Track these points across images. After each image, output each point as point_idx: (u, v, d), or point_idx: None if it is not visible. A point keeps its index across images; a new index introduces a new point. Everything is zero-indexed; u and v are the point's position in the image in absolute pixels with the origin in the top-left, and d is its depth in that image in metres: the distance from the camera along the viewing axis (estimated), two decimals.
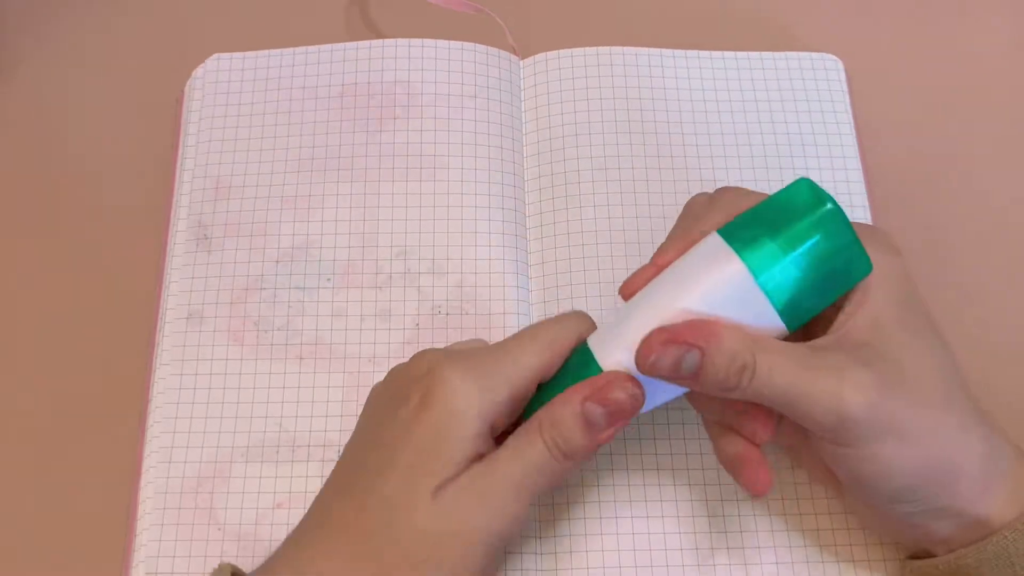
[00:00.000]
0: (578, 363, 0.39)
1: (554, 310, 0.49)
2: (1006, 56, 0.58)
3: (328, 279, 0.49)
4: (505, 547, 0.38)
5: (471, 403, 0.38)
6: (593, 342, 0.39)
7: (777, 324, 0.37)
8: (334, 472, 0.40)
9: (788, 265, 0.37)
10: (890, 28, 0.59)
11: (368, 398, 0.42)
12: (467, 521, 0.37)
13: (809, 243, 0.37)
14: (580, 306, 0.49)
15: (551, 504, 0.45)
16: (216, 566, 0.39)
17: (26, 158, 0.55)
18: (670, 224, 0.50)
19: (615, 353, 0.38)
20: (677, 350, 0.36)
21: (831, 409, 0.36)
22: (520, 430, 0.39)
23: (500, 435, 0.40)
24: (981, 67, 0.58)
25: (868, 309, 0.39)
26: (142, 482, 0.46)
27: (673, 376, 0.37)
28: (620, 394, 0.37)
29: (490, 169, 0.52)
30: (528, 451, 0.38)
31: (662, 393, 0.39)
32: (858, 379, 0.37)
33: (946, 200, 0.53)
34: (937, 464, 0.38)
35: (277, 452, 0.46)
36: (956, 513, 0.38)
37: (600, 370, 0.38)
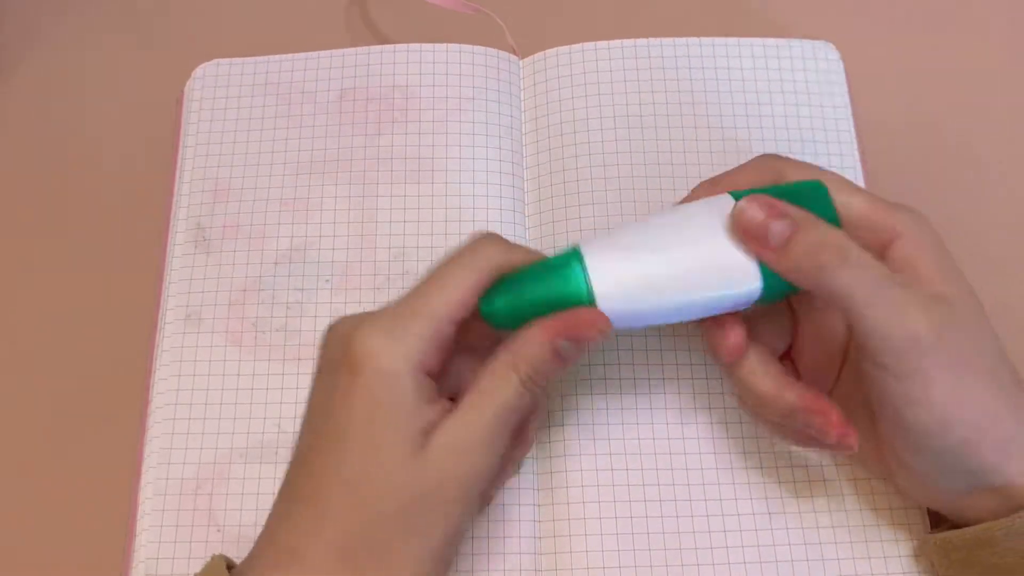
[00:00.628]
0: (564, 272, 0.39)
1: None
2: (1005, 54, 0.59)
3: (327, 280, 0.50)
4: (481, 482, 0.39)
5: (396, 358, 0.38)
6: (590, 252, 0.39)
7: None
8: (296, 448, 0.40)
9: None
10: (888, 22, 0.59)
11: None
12: (452, 473, 0.37)
13: None
14: None
15: (551, 504, 0.45)
16: (210, 558, 0.39)
17: (26, 159, 0.55)
18: None
19: (612, 262, 0.39)
20: (775, 213, 0.38)
21: (902, 324, 0.37)
22: (488, 371, 0.39)
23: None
24: (980, 64, 0.58)
25: (921, 261, 0.39)
26: (142, 483, 0.46)
27: (758, 238, 0.38)
28: (591, 332, 0.38)
29: (488, 170, 0.52)
30: (503, 390, 0.38)
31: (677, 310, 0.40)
32: (934, 307, 0.38)
33: (945, 195, 0.54)
34: (982, 410, 0.38)
35: (276, 453, 0.46)
36: (979, 475, 0.38)
37: (586, 287, 0.38)
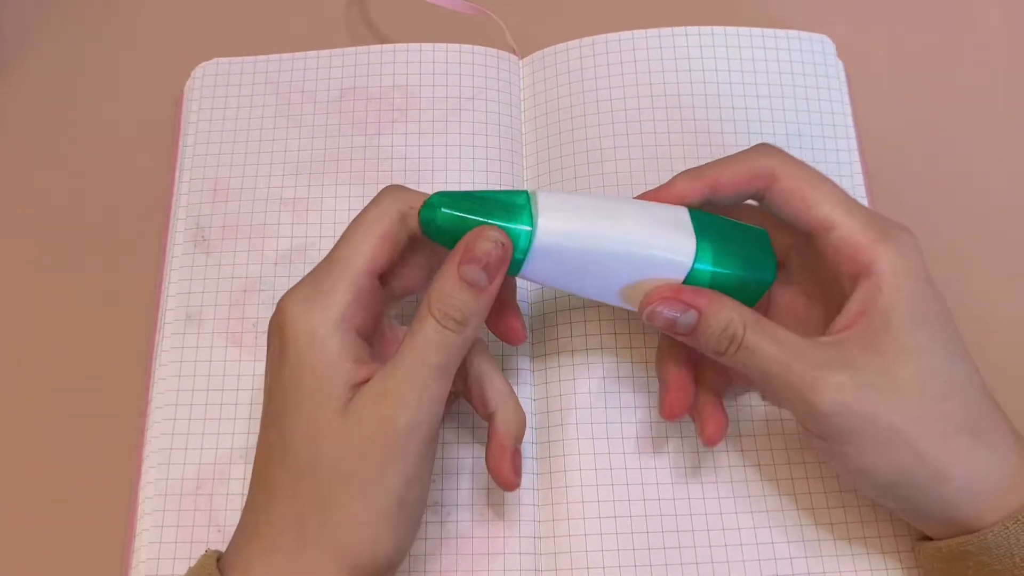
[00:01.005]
0: (511, 204, 0.40)
1: (553, 307, 0.49)
2: (1005, 51, 0.59)
3: None
4: (433, 432, 0.39)
5: (314, 320, 0.38)
6: (542, 194, 0.40)
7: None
8: (260, 427, 0.41)
9: (716, 276, 0.41)
10: (888, 19, 0.59)
11: None
12: (385, 414, 0.37)
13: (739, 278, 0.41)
14: (579, 315, 0.49)
15: (551, 504, 0.45)
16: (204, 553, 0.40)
17: (25, 159, 0.56)
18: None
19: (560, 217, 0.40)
20: (679, 307, 0.40)
21: (803, 399, 0.39)
22: (415, 315, 0.39)
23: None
24: (980, 61, 0.58)
25: (875, 308, 0.39)
26: (141, 483, 0.46)
27: (669, 330, 0.40)
28: (485, 245, 0.38)
29: (488, 170, 0.52)
30: (420, 332, 0.38)
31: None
32: (836, 380, 0.38)
33: (943, 196, 0.54)
34: (914, 470, 0.39)
35: None
36: (941, 514, 0.39)
37: (529, 211, 0.39)
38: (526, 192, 0.41)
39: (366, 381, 0.38)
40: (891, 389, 0.39)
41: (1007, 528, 0.38)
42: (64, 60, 0.58)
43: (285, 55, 0.56)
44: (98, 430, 0.48)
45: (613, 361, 0.48)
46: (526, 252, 0.40)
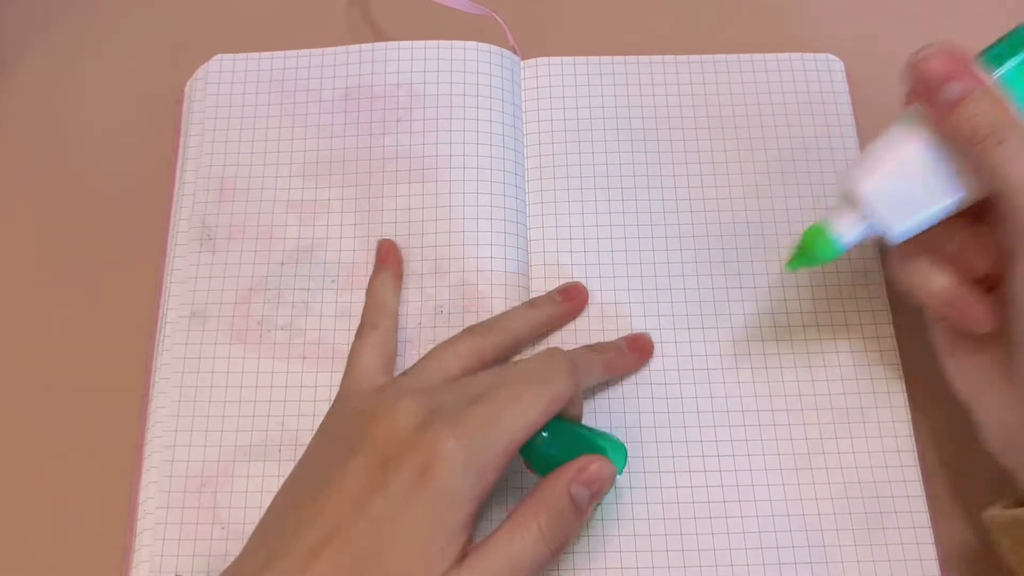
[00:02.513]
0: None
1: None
2: None
3: (332, 280, 0.50)
4: None
5: (468, 483, 0.38)
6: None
7: None
8: (306, 506, 0.39)
9: None
10: (890, 28, 0.59)
11: (328, 430, 0.43)
12: None
13: None
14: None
15: None
16: None
17: (27, 158, 0.56)
18: (671, 228, 0.51)
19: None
20: (954, 72, 0.37)
21: None
22: (515, 516, 0.39)
23: None
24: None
25: None
26: (144, 482, 0.46)
27: (930, 89, 0.37)
28: (602, 471, 0.39)
29: (491, 168, 0.52)
30: (519, 538, 0.38)
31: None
32: None
33: None
34: None
35: (280, 451, 0.47)
36: None
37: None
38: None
39: (462, 559, 0.38)
40: None
41: None
42: (65, 59, 0.59)
43: (289, 52, 0.56)
44: (100, 429, 0.49)
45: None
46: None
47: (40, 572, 0.46)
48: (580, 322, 0.49)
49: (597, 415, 0.47)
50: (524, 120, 0.55)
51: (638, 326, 0.49)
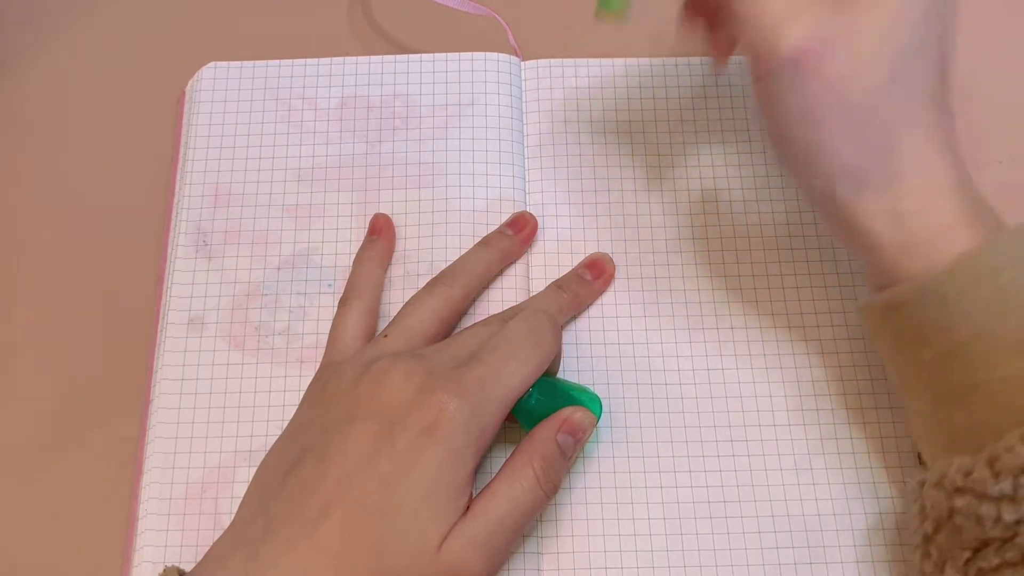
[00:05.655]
0: None
1: None
2: (1008, 58, 0.59)
3: (329, 285, 0.51)
4: None
5: (471, 440, 0.40)
6: None
7: None
8: (311, 474, 0.40)
9: None
10: None
11: (317, 398, 0.44)
12: (464, 567, 0.39)
13: None
14: (583, 311, 0.51)
15: (553, 504, 0.46)
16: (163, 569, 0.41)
17: (24, 163, 0.56)
18: (671, 229, 0.52)
19: None
20: None
21: (767, 41, 0.39)
22: (510, 466, 0.42)
23: None
24: (981, 66, 0.58)
25: None
26: (144, 487, 0.47)
27: None
28: (584, 420, 0.43)
29: (487, 173, 0.53)
30: (517, 484, 0.41)
31: None
32: (811, 16, 0.39)
33: None
34: (859, 146, 0.39)
35: None
36: (889, 238, 0.40)
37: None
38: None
39: (464, 511, 0.40)
40: (848, 47, 0.39)
41: (945, 276, 0.38)
42: (63, 64, 0.59)
43: (284, 60, 0.57)
44: (99, 435, 0.49)
45: (617, 368, 0.49)
46: None
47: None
48: (580, 322, 0.50)
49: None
50: (525, 121, 0.56)
51: (638, 325, 0.50)
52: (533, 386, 0.43)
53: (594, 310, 0.51)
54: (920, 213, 0.40)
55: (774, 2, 0.39)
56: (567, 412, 0.43)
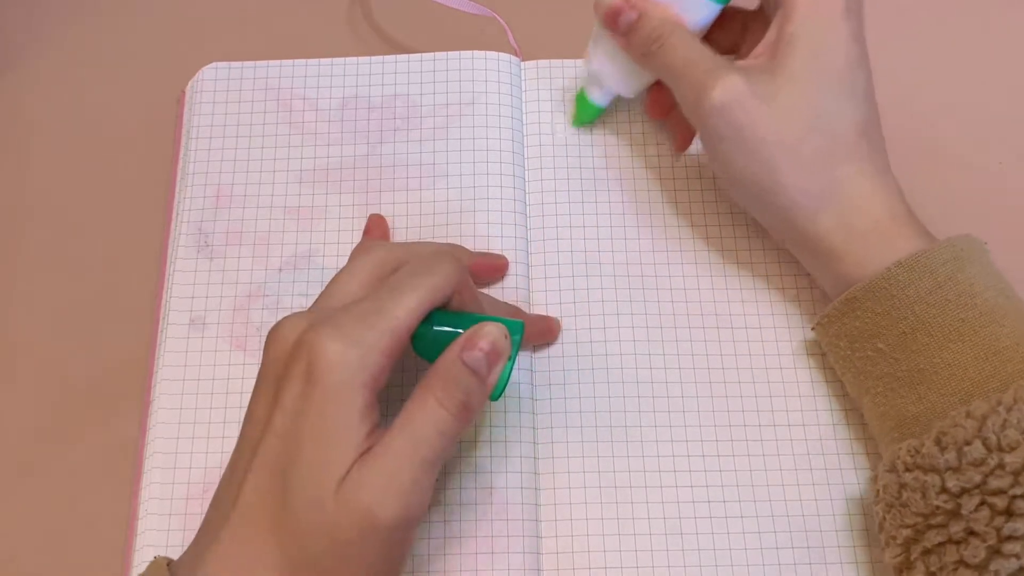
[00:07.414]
0: None
1: (557, 313, 0.51)
2: (1001, 52, 0.60)
3: None
4: (418, 520, 0.39)
5: (353, 373, 0.38)
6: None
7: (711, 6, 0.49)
8: (240, 448, 0.41)
9: None
10: (881, 24, 0.60)
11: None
12: (372, 508, 0.37)
13: None
14: (583, 310, 0.51)
15: (553, 504, 0.47)
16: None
17: (25, 163, 0.57)
18: (671, 230, 0.52)
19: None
20: (623, 6, 0.49)
21: (698, 95, 0.46)
22: (410, 400, 0.39)
23: None
24: (975, 62, 0.59)
25: (783, 35, 0.46)
26: (143, 487, 0.47)
27: (612, 25, 0.49)
28: (491, 333, 0.40)
29: (488, 172, 0.54)
30: (418, 415, 0.39)
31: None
32: (730, 79, 0.46)
33: (946, 200, 0.54)
34: (775, 186, 0.46)
35: None
36: (827, 254, 0.46)
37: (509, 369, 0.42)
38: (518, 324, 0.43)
39: (367, 449, 0.38)
40: (769, 107, 0.45)
41: (890, 272, 0.43)
42: (63, 65, 0.59)
43: (285, 61, 0.57)
44: (100, 435, 0.50)
45: (618, 367, 0.50)
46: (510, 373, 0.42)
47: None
48: (580, 321, 0.51)
49: (597, 414, 0.49)
50: (525, 121, 0.56)
51: (639, 324, 0.51)
52: (431, 318, 0.41)
53: (594, 309, 0.51)
54: (869, 227, 0.45)
55: (701, 61, 0.47)
56: (470, 331, 0.40)
